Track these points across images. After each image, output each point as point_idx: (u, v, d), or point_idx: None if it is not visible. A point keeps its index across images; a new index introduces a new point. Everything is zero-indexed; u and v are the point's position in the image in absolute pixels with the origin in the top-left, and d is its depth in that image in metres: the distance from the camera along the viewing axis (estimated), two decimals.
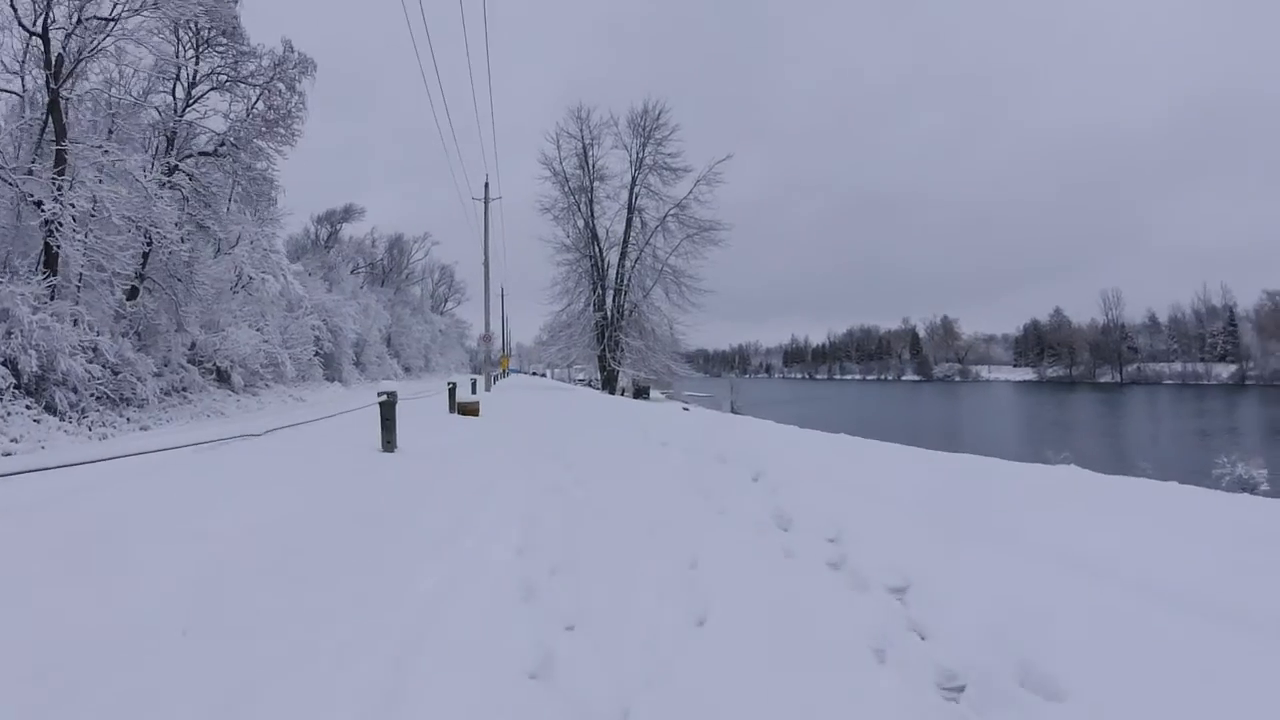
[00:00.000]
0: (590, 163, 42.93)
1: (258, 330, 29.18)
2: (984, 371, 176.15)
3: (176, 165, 24.69)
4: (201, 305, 26.78)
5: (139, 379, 21.55)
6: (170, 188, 24.13)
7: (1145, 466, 19.22)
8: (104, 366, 20.47)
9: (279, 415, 22.34)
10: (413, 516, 6.79)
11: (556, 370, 79.76)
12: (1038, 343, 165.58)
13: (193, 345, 26.46)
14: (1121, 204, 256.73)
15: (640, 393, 48.52)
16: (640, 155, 42.26)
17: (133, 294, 23.59)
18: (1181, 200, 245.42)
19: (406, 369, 62.74)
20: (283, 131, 25.79)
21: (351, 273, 60.42)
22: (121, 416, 20.52)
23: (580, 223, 43.19)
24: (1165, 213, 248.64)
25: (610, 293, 42.74)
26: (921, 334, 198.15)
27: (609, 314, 42.25)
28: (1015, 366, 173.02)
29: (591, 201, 42.94)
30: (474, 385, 29.42)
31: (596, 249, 42.76)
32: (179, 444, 9.75)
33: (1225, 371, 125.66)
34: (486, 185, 37.00)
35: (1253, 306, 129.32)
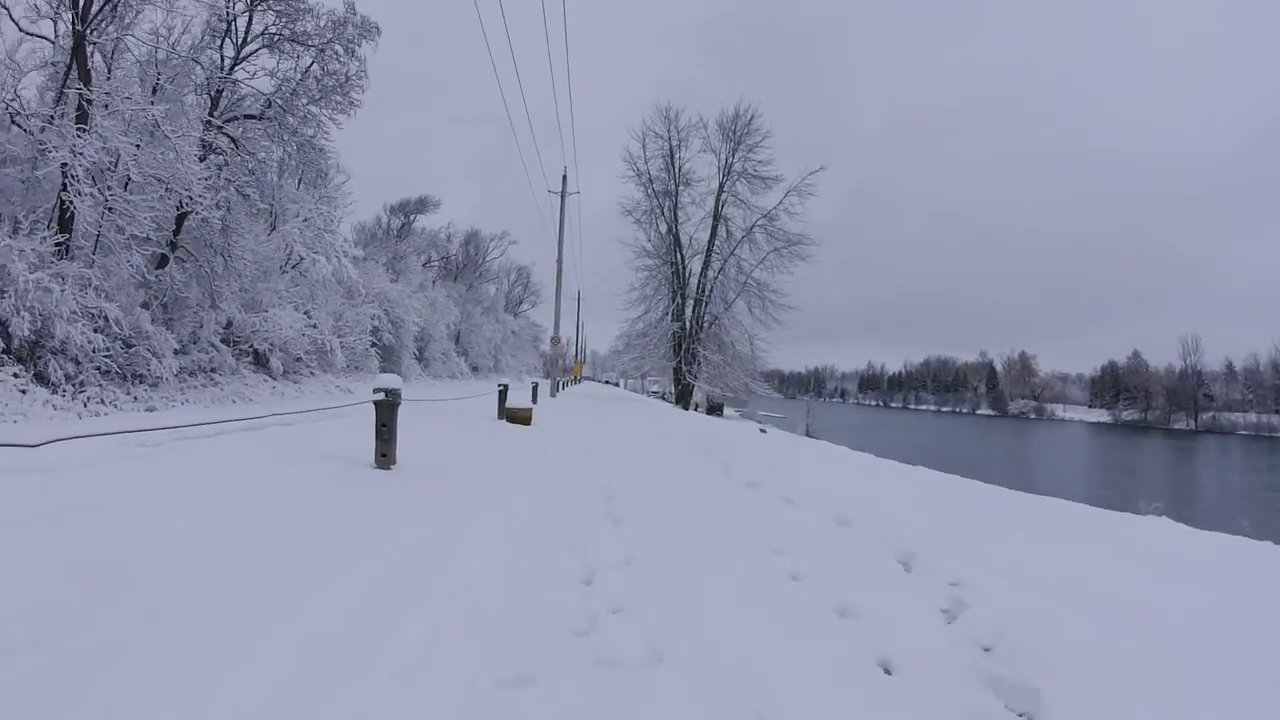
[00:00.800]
0: (676, 165, 40.51)
1: (305, 314, 26.77)
2: (1059, 410, 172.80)
3: (221, 126, 22.46)
4: (242, 281, 24.56)
5: (156, 355, 19.25)
6: (213, 151, 22.02)
7: (1244, 524, 16.22)
8: (114, 338, 18.25)
9: (305, 403, 20.12)
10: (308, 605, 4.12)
11: (630, 380, 77.26)
12: (1114, 384, 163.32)
13: (229, 324, 24.20)
14: (1204, 239, 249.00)
15: (713, 409, 45.83)
16: (729, 161, 39.71)
17: (162, 262, 21.37)
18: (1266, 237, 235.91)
19: (475, 368, 60.57)
20: (339, 99, 23.38)
21: (423, 266, 58.58)
22: (129, 395, 18.17)
23: (663, 227, 40.78)
24: (1247, 250, 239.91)
25: (690, 303, 40.14)
26: (998, 368, 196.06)
27: (687, 325, 39.59)
28: (1090, 407, 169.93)
29: (676, 206, 40.48)
30: (534, 390, 26.79)
31: (678, 256, 40.16)
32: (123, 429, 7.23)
33: None
34: (565, 178, 34.51)
35: None
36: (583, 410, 24.59)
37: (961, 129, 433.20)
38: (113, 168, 18.12)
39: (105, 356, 17.69)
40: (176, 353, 21.20)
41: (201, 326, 22.58)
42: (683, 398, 40.26)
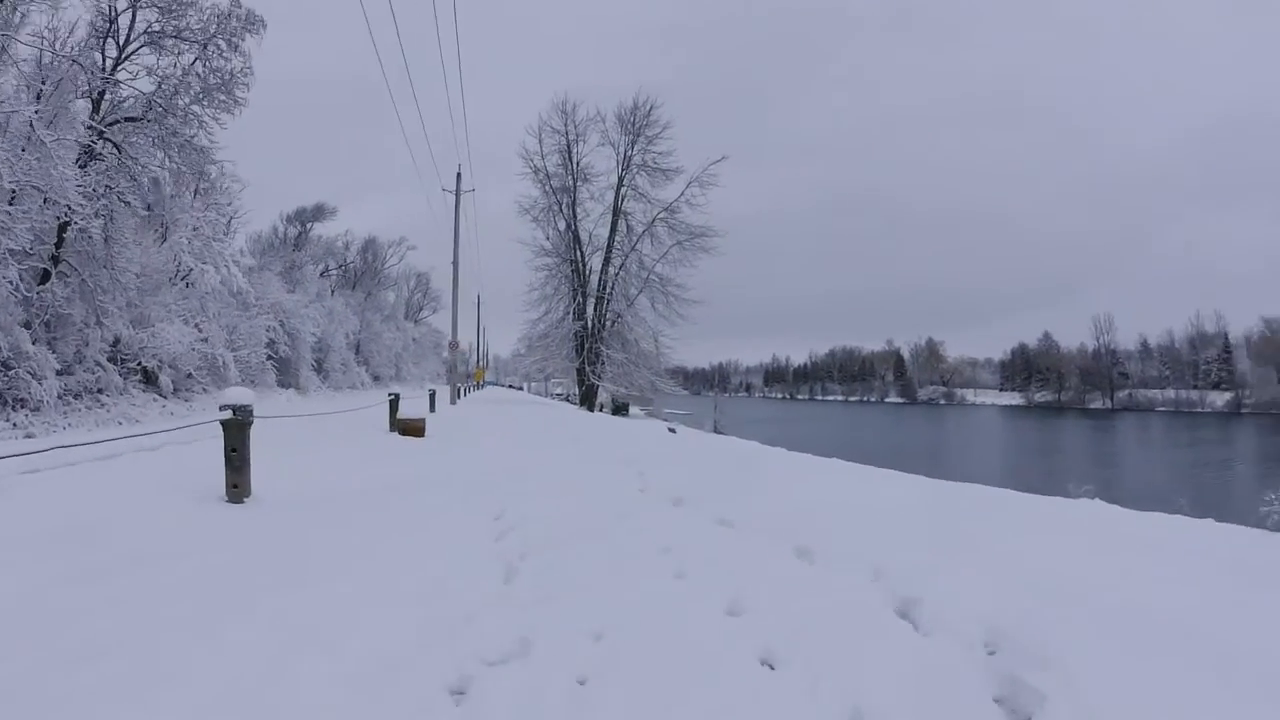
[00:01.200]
0: (574, 160, 40.15)
1: (195, 327, 25.90)
2: (970, 395, 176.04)
3: (102, 131, 21.59)
4: (129, 296, 23.63)
5: (36, 377, 18.38)
6: (94, 157, 21.14)
7: (1181, 502, 16.69)
8: None
9: (189, 420, 19.42)
10: None
11: (534, 384, 76.75)
12: (1025, 367, 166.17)
13: (116, 341, 23.27)
14: (1121, 228, 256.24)
15: (619, 409, 45.60)
16: (628, 153, 39.44)
17: (44, 278, 20.41)
18: (1182, 226, 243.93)
19: (376, 377, 59.33)
20: (223, 98, 22.59)
21: (321, 275, 57.25)
22: (6, 420, 17.31)
23: (561, 224, 40.46)
24: (1163, 239, 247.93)
25: (592, 301, 39.90)
26: (906, 356, 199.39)
27: (590, 324, 39.32)
28: (1001, 390, 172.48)
29: (574, 203, 40.22)
30: (431, 398, 26.30)
31: (578, 253, 39.87)
32: None
33: (1220, 399, 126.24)
34: (459, 175, 34.08)
35: (1247, 333, 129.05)
36: (483, 417, 24.08)
37: (904, 127, 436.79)
38: None
39: None
40: (60, 373, 20.29)
41: (87, 345, 21.65)
42: (587, 399, 39.97)
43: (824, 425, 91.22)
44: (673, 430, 27.97)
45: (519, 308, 41.12)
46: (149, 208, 30.23)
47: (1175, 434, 78.46)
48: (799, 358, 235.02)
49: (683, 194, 38.46)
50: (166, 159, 22.75)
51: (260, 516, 7.31)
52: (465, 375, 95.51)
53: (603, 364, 38.38)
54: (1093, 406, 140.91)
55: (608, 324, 39.17)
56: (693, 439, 21.04)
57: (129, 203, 21.64)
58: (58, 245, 20.59)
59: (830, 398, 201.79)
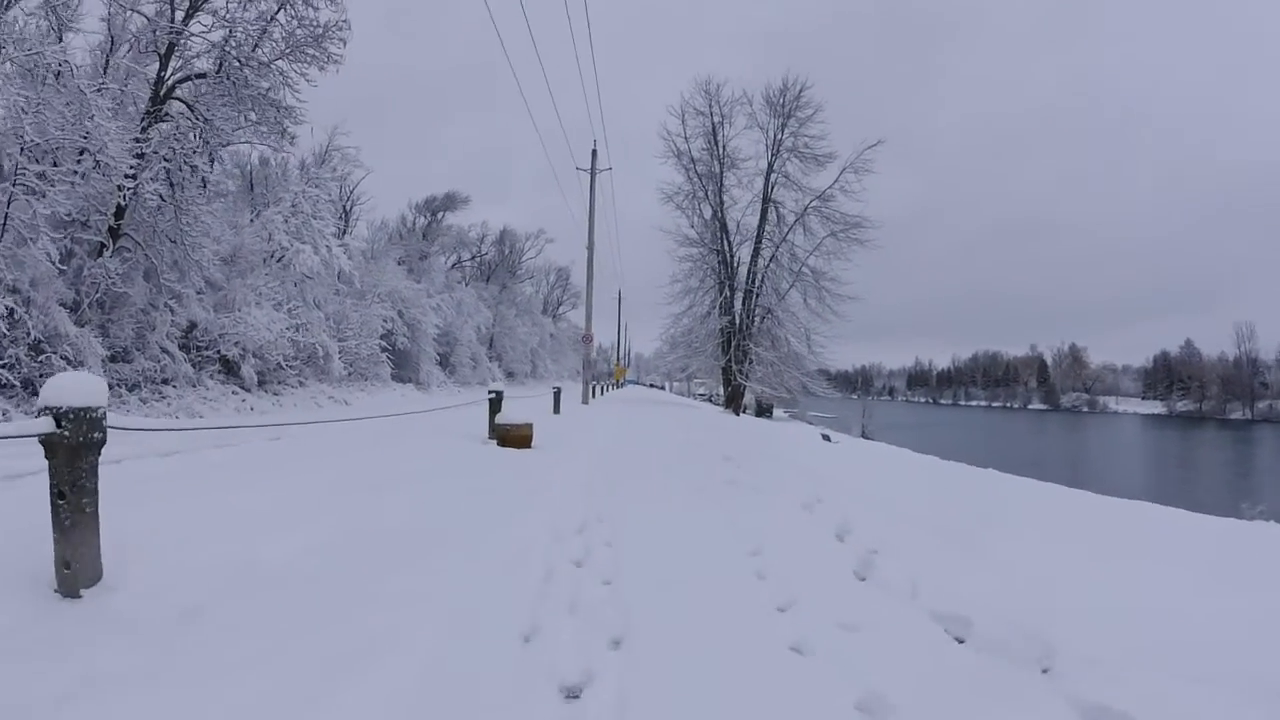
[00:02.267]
0: (720, 144, 35.70)
1: (288, 312, 22.86)
2: (1111, 402, 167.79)
3: (174, 86, 18.69)
4: (208, 275, 20.83)
5: (72, 363, 15.36)
6: (162, 119, 18.25)
7: None
8: (14, 341, 14.48)
9: (268, 419, 16.36)
10: None
11: (675, 383, 73.08)
12: (1167, 375, 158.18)
13: (191, 327, 20.38)
14: (1260, 234, 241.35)
15: (762, 411, 41.50)
16: (778, 137, 34.83)
17: (99, 252, 17.50)
18: None
19: (510, 373, 56.71)
20: (313, 52, 19.33)
21: (452, 267, 54.93)
22: (26, 411, 14.24)
23: (707, 212, 36.12)
24: None
25: (739, 295, 35.48)
26: (1048, 362, 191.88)
27: (737, 319, 34.96)
28: (1143, 399, 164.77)
29: (721, 189, 35.79)
30: (556, 397, 22.55)
31: (725, 243, 35.59)
32: None
33: None
34: (594, 152, 30.30)
35: None
36: (614, 421, 20.27)
37: (1038, 138, 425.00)
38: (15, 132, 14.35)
39: None
40: (112, 359, 17.42)
41: (152, 329, 18.78)
42: (733, 400, 35.85)
43: (968, 432, 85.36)
44: (827, 438, 24.04)
45: (661, 300, 37.23)
46: (251, 186, 27.69)
47: None
48: (941, 361, 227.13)
49: (836, 180, 33.75)
50: (242, 117, 19.55)
51: (58, 642, 3.39)
52: (605, 374, 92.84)
53: (750, 363, 34.12)
54: (1232, 417, 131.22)
55: (756, 320, 34.85)
56: (870, 455, 16.82)
57: (195, 166, 18.51)
58: (117, 215, 17.67)
59: (973, 403, 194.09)
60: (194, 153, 18.45)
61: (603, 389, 55.06)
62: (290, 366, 22.95)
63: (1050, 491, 10.22)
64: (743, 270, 35.76)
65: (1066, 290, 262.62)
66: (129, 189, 16.65)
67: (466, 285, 52.45)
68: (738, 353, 34.64)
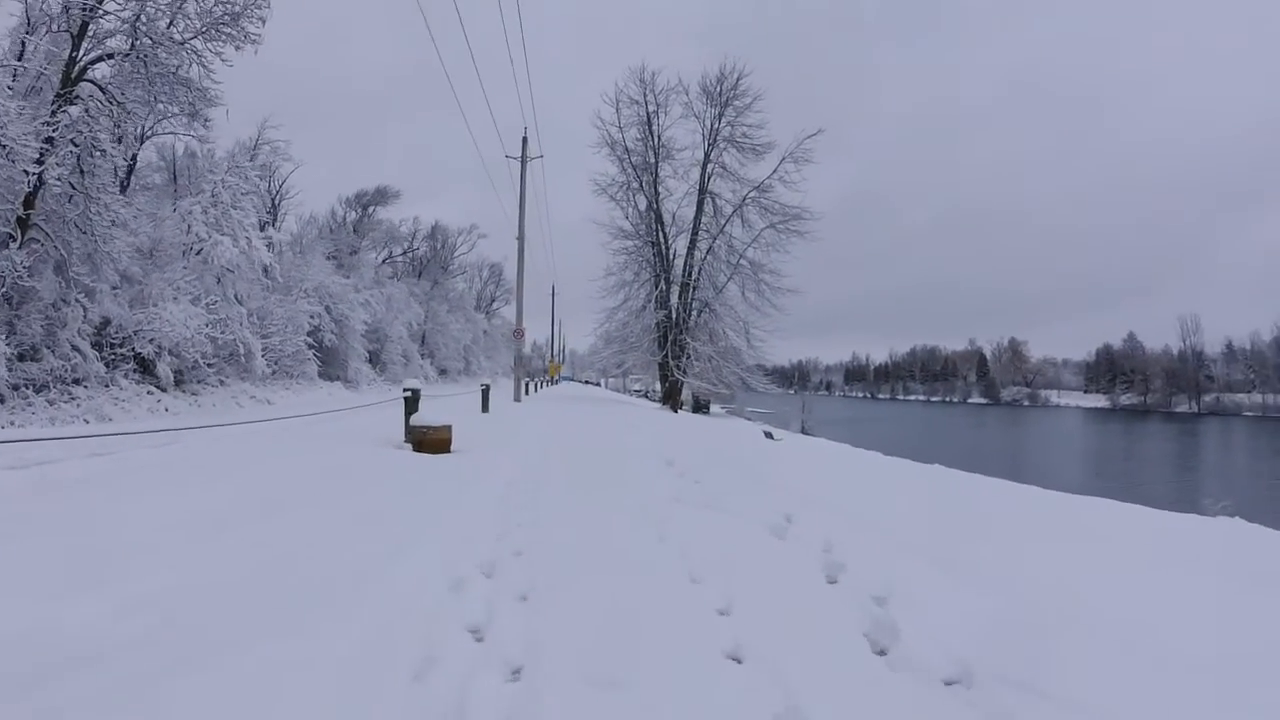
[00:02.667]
0: (655, 134, 34.96)
1: (206, 307, 21.81)
2: (1053, 396, 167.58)
3: (85, 67, 17.68)
4: (123, 269, 19.78)
5: None
6: (71, 102, 17.19)
7: None
8: None
9: (178, 422, 15.30)
10: None
11: (611, 379, 72.37)
12: (1110, 368, 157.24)
13: (105, 324, 19.34)
14: (1200, 225, 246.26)
15: (699, 407, 41.02)
16: (715, 126, 34.20)
17: (8, 243, 16.43)
18: (1261, 225, 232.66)
19: (443, 371, 55.63)
20: (230, 31, 18.39)
21: (383, 263, 53.67)
22: None
23: (642, 203, 35.37)
24: (1247, 235, 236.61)
25: (676, 288, 34.85)
26: (988, 356, 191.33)
27: (674, 313, 34.35)
28: (1086, 392, 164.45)
29: (656, 180, 35.04)
30: (485, 395, 21.77)
31: (661, 235, 34.90)
32: None
33: None
34: (525, 139, 29.45)
35: None
36: (545, 420, 19.34)
37: (987, 124, 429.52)
38: None
39: None
40: (20, 358, 16.41)
41: (63, 326, 17.72)
42: (670, 396, 35.27)
43: (906, 426, 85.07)
44: (770, 435, 23.55)
45: (595, 295, 36.33)
46: (174, 178, 26.58)
47: (1276, 441, 72.27)
48: (879, 356, 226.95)
49: (776, 170, 33.26)
50: (155, 99, 18.59)
51: None
52: (540, 370, 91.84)
53: (688, 358, 33.53)
54: (1178, 410, 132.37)
55: (694, 314, 34.28)
56: (822, 454, 15.98)
57: (104, 151, 17.46)
58: (26, 205, 16.61)
59: (911, 397, 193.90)
60: (105, 138, 17.38)
61: (537, 386, 54.18)
62: (209, 365, 21.93)
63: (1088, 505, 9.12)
64: (679, 263, 35.23)
65: (1006, 283, 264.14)
66: (33, 174, 15.63)
67: (397, 281, 51.25)
68: (674, 347, 34.12)
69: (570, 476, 9.07)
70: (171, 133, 25.33)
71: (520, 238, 28.72)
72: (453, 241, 63.34)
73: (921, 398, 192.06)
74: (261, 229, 28.46)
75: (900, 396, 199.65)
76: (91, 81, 17.80)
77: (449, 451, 10.99)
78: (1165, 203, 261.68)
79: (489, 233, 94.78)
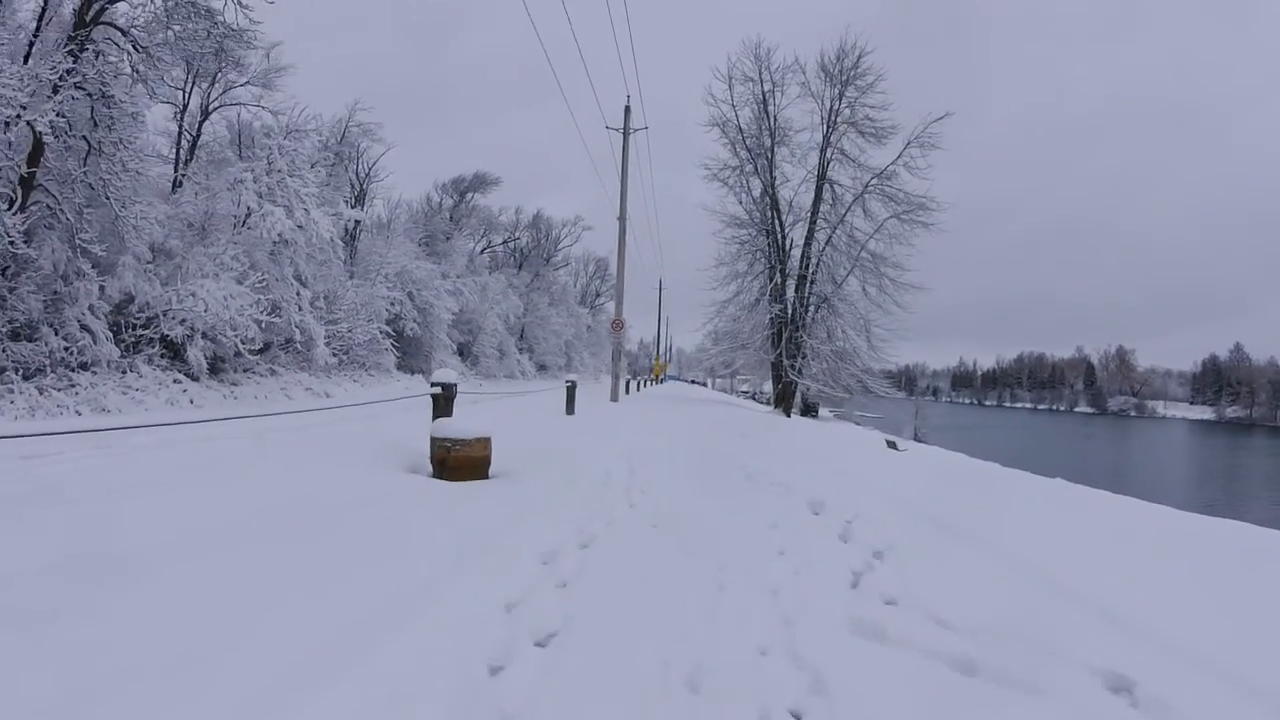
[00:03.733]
0: (771, 115, 31.29)
1: (251, 287, 19.12)
2: (1159, 407, 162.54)
3: (102, 9, 15.15)
4: (148, 239, 17.26)
5: None
6: (86, 44, 14.71)
7: None
8: None
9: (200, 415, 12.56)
10: None
11: (719, 379, 69.13)
12: (1216, 380, 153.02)
13: (125, 301, 16.82)
14: None
15: (807, 410, 37.43)
16: (835, 107, 30.26)
17: (11, 204, 13.95)
18: None
19: (542, 366, 53.08)
20: None
21: (481, 251, 51.34)
22: None
23: (756, 189, 31.85)
24: None
25: (792, 282, 31.29)
26: (1095, 364, 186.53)
27: (790, 309, 30.76)
28: (1191, 404, 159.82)
29: (772, 164, 31.43)
30: (570, 395, 18.44)
31: (777, 223, 31.28)
32: None
33: None
34: (627, 109, 26.27)
35: None
36: (646, 425, 16.00)
37: (1087, 138, 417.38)
38: None
39: None
40: (13, 337, 13.91)
41: (73, 302, 15.22)
42: (783, 399, 31.78)
43: (1021, 435, 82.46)
44: (893, 445, 20.15)
45: (704, 286, 32.77)
46: (240, 150, 24.28)
47: None
48: (986, 362, 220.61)
49: (900, 155, 29.46)
50: (173, 37, 15.97)
51: None
52: (646, 369, 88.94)
53: (805, 358, 30.03)
54: None
55: (810, 310, 30.77)
56: (994, 480, 12.06)
57: (114, 97, 14.83)
58: (30, 162, 14.14)
59: (1018, 404, 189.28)
60: (119, 86, 14.81)
61: (640, 385, 51.26)
62: (257, 351, 19.29)
63: None
64: (796, 255, 31.65)
65: (1113, 292, 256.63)
66: (23, 120, 13.07)
67: (496, 271, 48.88)
68: (790, 346, 30.57)
69: (660, 540, 5.68)
70: (238, 103, 23.15)
71: (621, 218, 25.56)
72: (556, 233, 60.67)
73: (1028, 405, 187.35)
74: (351, 206, 26.19)
75: (1006, 404, 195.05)
76: (109, 24, 15.30)
77: (485, 476, 7.74)
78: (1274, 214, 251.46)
79: (594, 225, 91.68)
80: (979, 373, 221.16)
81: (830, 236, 30.87)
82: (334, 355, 23.40)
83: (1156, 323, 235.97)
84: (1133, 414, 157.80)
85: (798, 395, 33.62)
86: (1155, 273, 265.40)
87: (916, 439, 39.10)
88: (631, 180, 26.08)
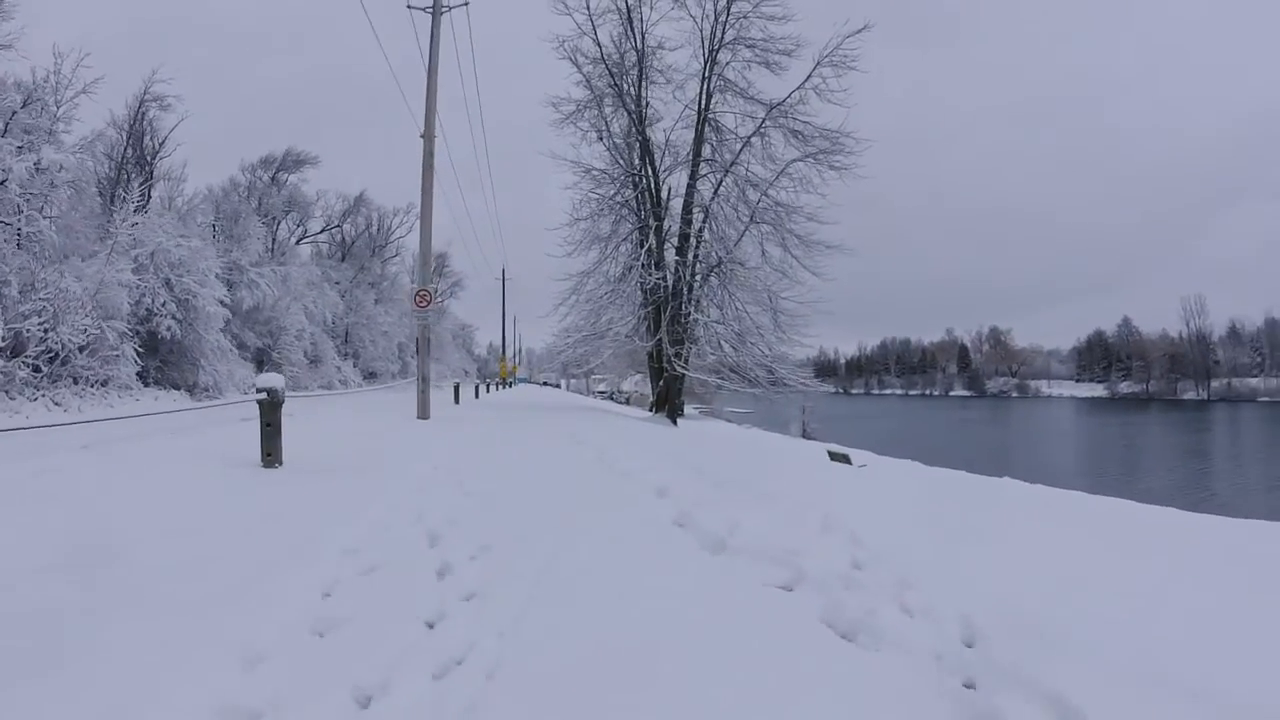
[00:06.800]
0: (638, 31, 24.41)
1: None
2: (1044, 387, 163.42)
3: None
4: None
5: None
6: None
7: None
8: None
9: None
10: None
11: (573, 379, 62.63)
12: (1104, 355, 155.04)
13: None
14: (1181, 216, 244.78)
15: (674, 410, 30.90)
16: (723, 19, 23.82)
17: None
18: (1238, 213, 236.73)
19: (371, 373, 45.41)
20: None
21: (298, 243, 43.59)
22: None
23: (622, 125, 25.12)
24: (1224, 225, 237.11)
25: (671, 248, 24.41)
26: (968, 346, 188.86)
27: (671, 279, 23.70)
28: (1078, 381, 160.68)
29: (641, 96, 24.71)
30: (267, 409, 11.71)
31: (649, 168, 24.45)
32: None
33: None
34: None
35: None
36: (470, 459, 9.59)
37: (975, 129, 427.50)
38: None
39: None
40: None
41: None
42: (665, 399, 24.93)
43: (902, 422, 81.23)
44: (844, 458, 14.40)
45: (555, 251, 25.45)
46: None
47: None
48: (848, 350, 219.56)
49: (807, 79, 23.04)
50: None
51: None
52: (492, 371, 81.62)
53: (696, 342, 23.46)
54: (1185, 398, 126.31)
55: (698, 280, 24.12)
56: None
57: None
58: None
59: (887, 391, 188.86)
60: None
61: (487, 388, 44.78)
62: None
63: None
64: (677, 207, 24.85)
65: (983, 275, 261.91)
66: None
67: (312, 264, 41.33)
68: (673, 328, 23.71)
69: None
70: None
71: (428, 135, 18.49)
72: (388, 222, 52.49)
73: (899, 391, 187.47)
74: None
75: (875, 391, 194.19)
76: None
77: None
78: (1148, 196, 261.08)
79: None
80: (842, 361, 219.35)
81: (718, 186, 24.25)
82: (25, 367, 15.76)
83: (1031, 302, 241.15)
84: (1014, 395, 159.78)
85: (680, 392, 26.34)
86: (1027, 250, 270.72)
87: (805, 436, 34.87)
88: (449, 91, 18.87)
